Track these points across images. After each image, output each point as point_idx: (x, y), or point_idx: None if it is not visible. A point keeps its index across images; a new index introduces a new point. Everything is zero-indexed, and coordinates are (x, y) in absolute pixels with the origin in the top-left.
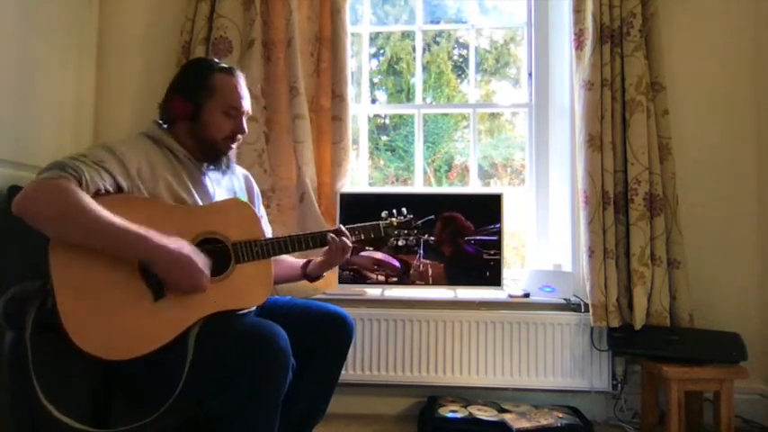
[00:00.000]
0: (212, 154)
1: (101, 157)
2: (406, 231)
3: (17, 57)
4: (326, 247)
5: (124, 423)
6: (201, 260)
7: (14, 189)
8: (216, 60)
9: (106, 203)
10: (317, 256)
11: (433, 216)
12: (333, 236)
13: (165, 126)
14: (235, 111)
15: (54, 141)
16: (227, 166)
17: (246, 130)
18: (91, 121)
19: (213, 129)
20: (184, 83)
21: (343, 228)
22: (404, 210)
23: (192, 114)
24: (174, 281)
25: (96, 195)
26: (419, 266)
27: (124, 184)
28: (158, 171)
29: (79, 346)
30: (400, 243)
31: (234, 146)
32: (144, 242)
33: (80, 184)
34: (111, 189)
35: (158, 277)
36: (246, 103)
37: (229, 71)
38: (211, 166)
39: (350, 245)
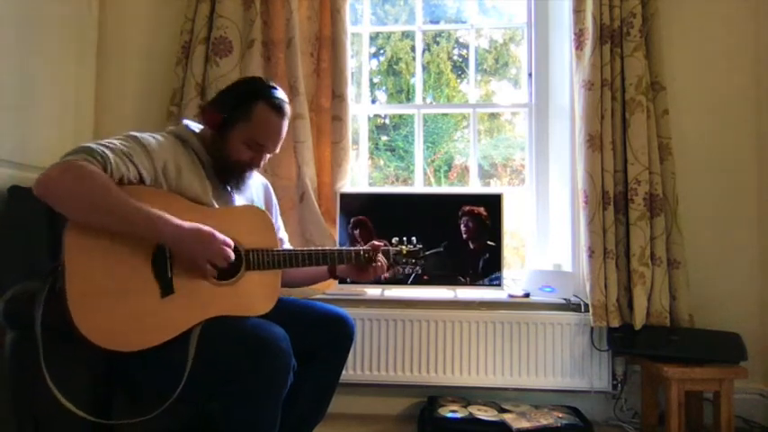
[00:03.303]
0: (223, 171)
1: (129, 149)
2: (414, 260)
3: (17, 57)
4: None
5: (124, 417)
6: (221, 234)
7: (15, 189)
8: (273, 87)
9: (128, 193)
10: None
11: (441, 248)
12: (371, 254)
13: (195, 129)
14: (258, 146)
15: (54, 141)
16: (238, 188)
17: (262, 165)
18: (91, 121)
19: (232, 150)
20: (229, 95)
21: (379, 245)
22: (414, 239)
23: (220, 127)
24: (200, 254)
25: (118, 185)
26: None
27: (147, 177)
28: (183, 172)
29: (81, 331)
30: (407, 271)
31: (249, 174)
32: (166, 223)
33: (105, 171)
34: (133, 180)
35: (186, 256)
36: (274, 144)
37: (277, 108)
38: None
39: (386, 266)
